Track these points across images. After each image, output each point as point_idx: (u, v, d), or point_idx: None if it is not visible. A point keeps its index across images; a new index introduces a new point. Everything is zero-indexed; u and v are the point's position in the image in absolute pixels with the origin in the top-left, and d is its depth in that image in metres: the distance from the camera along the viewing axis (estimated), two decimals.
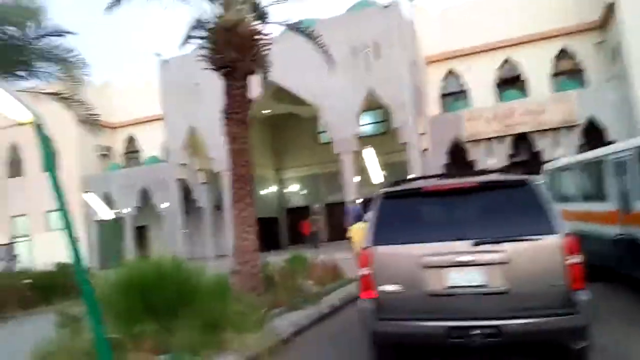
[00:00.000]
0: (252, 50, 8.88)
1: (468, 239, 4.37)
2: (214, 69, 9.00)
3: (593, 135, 18.02)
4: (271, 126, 28.49)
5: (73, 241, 4.33)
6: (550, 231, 4.25)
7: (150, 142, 28.28)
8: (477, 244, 4.35)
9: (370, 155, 13.32)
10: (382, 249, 4.61)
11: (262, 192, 27.50)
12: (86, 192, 14.92)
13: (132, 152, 29.35)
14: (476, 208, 4.61)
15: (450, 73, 22.70)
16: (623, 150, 7.68)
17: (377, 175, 13.60)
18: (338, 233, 27.51)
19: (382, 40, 18.49)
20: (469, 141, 19.70)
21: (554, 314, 4.18)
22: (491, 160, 19.42)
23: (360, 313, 4.69)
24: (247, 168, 8.67)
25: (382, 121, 27.45)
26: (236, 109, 8.68)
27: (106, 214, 16.88)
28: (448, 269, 4.38)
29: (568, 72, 20.75)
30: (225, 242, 25.78)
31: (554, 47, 20.90)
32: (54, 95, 12.62)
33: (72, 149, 26.54)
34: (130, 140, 29.17)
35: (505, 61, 21.83)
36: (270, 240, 26.91)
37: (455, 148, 19.91)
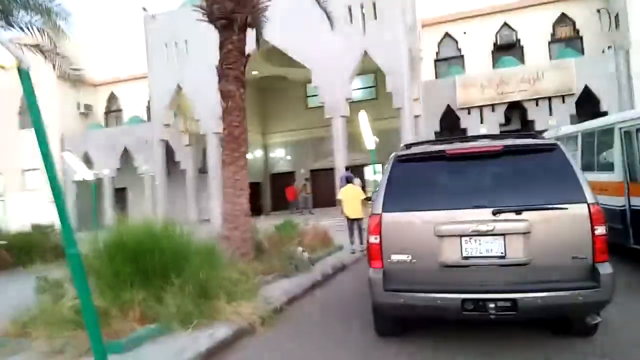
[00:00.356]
0: (252, 1, 8.26)
1: (487, 207, 4.03)
2: (209, 21, 8.36)
3: (587, 105, 17.77)
4: (259, 89, 27.70)
5: (60, 200, 3.88)
6: (580, 199, 3.92)
7: (133, 102, 27.34)
8: (496, 213, 4.01)
9: (364, 120, 12.86)
10: (392, 216, 4.24)
11: (247, 157, 26.97)
12: (65, 150, 14.29)
13: (113, 111, 28.36)
14: (497, 174, 4.25)
15: (446, 37, 22.08)
16: (632, 119, 7.38)
17: (370, 140, 13.18)
18: (323, 200, 27.33)
19: (380, 0, 17.74)
20: (462, 108, 19.31)
21: (576, 287, 3.90)
22: (482, 128, 19.12)
23: (368, 284, 4.36)
24: (242, 128, 8.18)
25: (372, 86, 26.93)
26: (232, 64, 8.10)
27: (85, 174, 16.25)
28: (464, 238, 4.05)
29: (566, 40, 20.30)
30: (208, 206, 25.38)
31: (553, 12, 20.38)
32: (35, 47, 11.76)
33: (52, 106, 25.49)
34: (112, 98, 28.13)
35: (503, 25, 21.26)
36: (253, 206, 26.49)
37: (447, 115, 19.52)
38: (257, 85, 26.97)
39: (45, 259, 12.54)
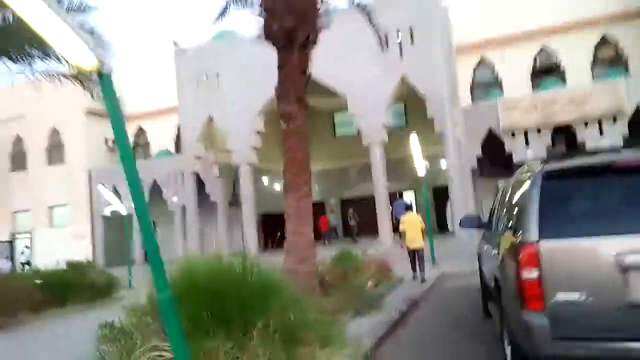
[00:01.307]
0: (314, 16, 7.70)
1: None
2: (267, 39, 7.77)
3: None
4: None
5: (149, 233, 3.15)
6: None
7: (160, 135, 27.05)
8: None
9: (415, 144, 12.13)
10: (556, 244, 3.40)
11: (277, 188, 26.38)
12: (100, 184, 13.80)
13: (141, 145, 28.09)
14: None
15: (482, 62, 21.50)
16: None
17: (421, 165, 12.41)
18: (362, 228, 26.34)
19: (417, 25, 17.28)
20: (505, 132, 18.49)
21: None
22: (529, 152, 18.25)
23: (523, 331, 3.48)
24: (304, 152, 7.47)
25: (401, 114, 26.34)
26: (292, 84, 7.47)
27: (120, 208, 15.69)
28: None
29: (609, 61, 19.56)
30: (238, 239, 24.67)
31: (594, 34, 19.73)
32: (73, 77, 11.35)
33: (78, 140, 25.36)
34: (139, 132, 27.90)
35: (541, 50, 20.63)
36: (283, 237, 25.72)
37: (489, 140, 18.70)
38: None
39: (82, 299, 11.83)
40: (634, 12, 19.05)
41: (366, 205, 27.43)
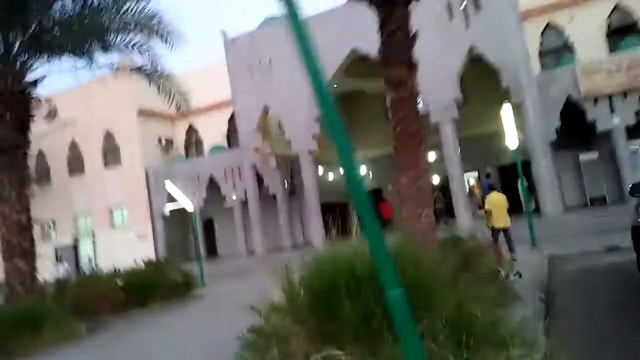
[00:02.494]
0: None
1: None
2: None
3: None
4: (337, 105, 26.34)
5: (371, 225, 2.36)
6: None
7: (212, 131, 26.65)
8: None
9: (508, 114, 11.03)
10: None
11: (330, 178, 25.58)
12: (167, 180, 13.45)
13: (193, 143, 27.83)
14: None
15: (550, 26, 19.91)
16: None
17: (513, 138, 11.28)
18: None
19: None
20: (586, 99, 16.99)
21: None
22: (615, 119, 16.72)
23: None
24: (418, 123, 6.57)
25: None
26: (399, 44, 6.56)
27: (187, 204, 15.24)
28: None
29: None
30: (300, 232, 24.03)
31: None
32: (137, 70, 10.81)
33: (133, 141, 25.26)
34: (191, 130, 27.61)
35: (615, 7, 18.91)
36: (343, 227, 24.92)
37: (568, 108, 17.24)
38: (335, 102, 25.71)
39: (162, 298, 11.40)
40: None
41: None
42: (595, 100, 16.95)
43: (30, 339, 7.37)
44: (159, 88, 11.05)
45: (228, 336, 6.14)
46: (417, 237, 6.46)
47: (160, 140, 26.10)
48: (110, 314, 10.24)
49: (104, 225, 26.23)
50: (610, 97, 16.76)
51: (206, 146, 26.63)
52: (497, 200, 10.10)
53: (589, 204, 18.70)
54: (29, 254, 9.16)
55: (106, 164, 26.25)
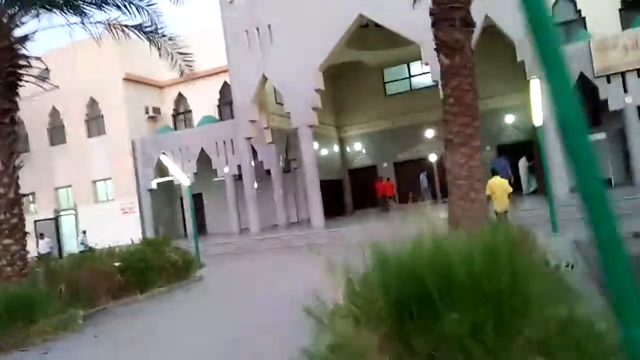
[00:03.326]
0: None
1: None
2: None
3: None
4: (331, 77, 25.34)
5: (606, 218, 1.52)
6: None
7: (202, 101, 25.43)
8: None
9: (537, 88, 10.32)
10: None
11: (323, 153, 24.74)
12: (162, 153, 12.33)
13: (182, 113, 26.57)
14: None
15: None
16: None
17: (539, 115, 10.61)
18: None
19: None
20: (599, 77, 16.40)
21: None
22: (628, 98, 16.21)
23: None
24: (474, 93, 5.80)
25: None
26: (454, 3, 5.72)
27: (183, 179, 14.31)
28: None
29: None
30: (295, 210, 23.26)
31: None
32: (136, 27, 9.72)
33: (118, 110, 23.93)
34: (180, 99, 26.31)
35: None
36: (336, 206, 24.37)
37: (580, 86, 16.62)
38: (329, 74, 24.66)
39: (162, 280, 10.60)
40: None
41: (424, 168, 25.82)
42: (609, 78, 16.38)
43: (24, 330, 6.53)
44: (159, 50, 10.00)
45: (246, 326, 5.40)
46: (471, 222, 5.78)
47: (147, 110, 24.79)
48: (109, 300, 9.43)
49: (87, 198, 25.05)
50: (623, 74, 16.21)
51: (195, 117, 25.44)
52: (497, 185, 10.08)
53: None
54: (19, 232, 8.22)
55: (90, 133, 24.93)
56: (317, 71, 17.75)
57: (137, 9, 9.84)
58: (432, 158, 25.74)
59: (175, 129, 25.77)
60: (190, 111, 26.05)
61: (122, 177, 24.04)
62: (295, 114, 18.06)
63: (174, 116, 26.42)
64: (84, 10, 9.60)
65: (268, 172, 21.58)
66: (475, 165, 5.72)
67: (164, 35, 9.85)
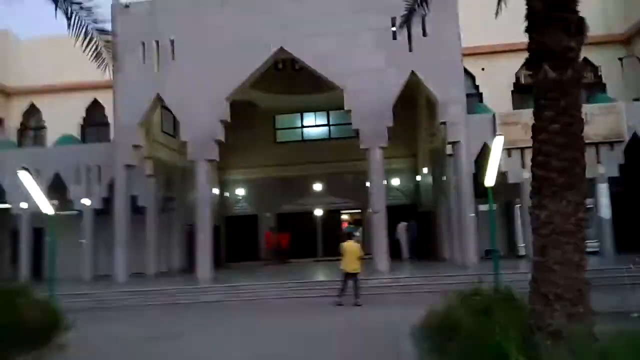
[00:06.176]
0: None
1: None
2: None
3: (634, 154, 16.49)
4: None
5: None
6: None
7: (62, 117, 21.08)
8: None
9: (498, 146, 9.67)
10: None
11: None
12: (23, 167, 8.72)
13: (34, 128, 21.71)
14: None
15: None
16: None
17: (492, 175, 9.96)
18: (302, 249, 23.33)
19: (431, 12, 15.00)
20: (503, 149, 16.95)
21: None
22: (525, 173, 16.97)
23: None
24: (582, 120, 4.46)
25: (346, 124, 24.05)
26: (569, 3, 4.41)
27: (46, 207, 10.67)
28: None
29: (591, 85, 19.31)
30: (171, 255, 19.95)
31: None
32: None
33: None
34: (32, 111, 21.51)
35: (524, 64, 19.84)
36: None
37: (483, 155, 17.01)
38: None
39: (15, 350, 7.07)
40: (615, 38, 19.20)
41: (309, 222, 24.48)
42: (509, 152, 17.04)
43: None
44: (68, 15, 7.07)
45: None
46: (570, 293, 4.24)
47: None
48: None
49: None
50: (522, 150, 17.00)
51: (50, 135, 20.86)
52: (349, 248, 11.30)
53: (484, 255, 18.65)
54: None
55: None
56: (224, 100, 15.55)
57: None
58: (318, 212, 24.60)
59: (19, 145, 20.80)
60: (44, 127, 21.37)
61: None
62: (193, 144, 15.43)
63: (21, 130, 21.41)
64: None
65: (140, 209, 18.17)
66: (583, 217, 4.27)
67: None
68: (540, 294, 4.25)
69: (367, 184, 15.32)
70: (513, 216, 18.88)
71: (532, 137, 4.59)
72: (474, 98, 19.97)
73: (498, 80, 19.76)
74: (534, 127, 4.55)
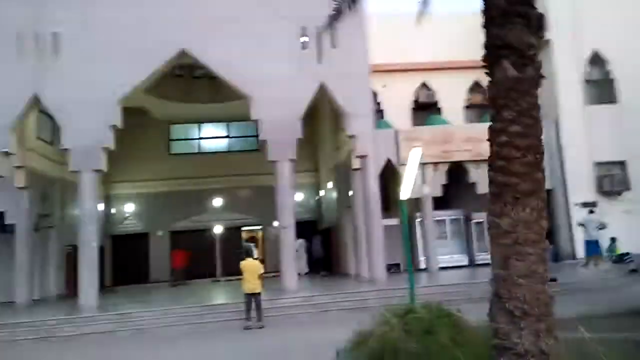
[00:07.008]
0: None
1: None
2: None
3: None
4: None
5: None
6: None
7: None
8: None
9: (415, 159, 9.50)
10: None
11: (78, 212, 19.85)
12: None
13: None
14: None
15: None
16: None
17: (408, 188, 9.76)
18: (204, 268, 21.96)
19: (342, 25, 14.85)
20: (404, 164, 17.24)
21: None
22: (425, 188, 17.41)
23: None
24: (540, 124, 4.17)
25: (252, 136, 23.35)
26: None
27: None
28: None
29: (480, 106, 20.45)
30: (47, 280, 17.47)
31: (468, 79, 20.51)
32: None
33: None
34: None
35: (423, 85, 20.62)
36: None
37: (386, 171, 17.21)
38: None
39: None
40: None
41: (207, 239, 23.04)
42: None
43: None
44: None
45: None
46: (534, 304, 3.89)
47: None
48: None
49: None
50: (423, 166, 17.42)
51: None
52: (249, 266, 10.83)
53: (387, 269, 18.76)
54: None
55: None
56: (115, 105, 13.96)
57: None
58: (217, 229, 23.28)
59: None
60: None
61: None
62: (76, 152, 13.58)
63: None
64: None
65: (7, 228, 15.72)
66: (544, 226, 3.97)
67: None
68: (506, 310, 3.85)
69: (275, 198, 14.54)
70: (414, 230, 19.24)
71: (488, 139, 4.24)
72: (376, 115, 20.26)
73: (398, 98, 20.23)
74: (491, 128, 4.21)
